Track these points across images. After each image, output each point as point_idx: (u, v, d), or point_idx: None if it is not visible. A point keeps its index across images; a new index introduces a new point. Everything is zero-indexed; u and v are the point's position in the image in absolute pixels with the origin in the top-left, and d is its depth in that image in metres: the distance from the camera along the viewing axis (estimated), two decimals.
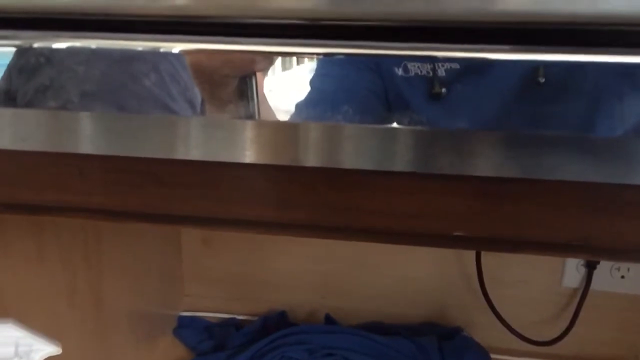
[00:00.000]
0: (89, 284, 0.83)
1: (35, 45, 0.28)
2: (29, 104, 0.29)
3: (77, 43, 0.28)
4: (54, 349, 0.58)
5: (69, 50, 0.28)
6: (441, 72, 0.28)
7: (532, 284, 0.97)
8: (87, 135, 0.37)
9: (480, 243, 0.39)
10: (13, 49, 0.28)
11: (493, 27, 0.25)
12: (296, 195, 0.38)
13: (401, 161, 0.34)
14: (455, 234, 0.37)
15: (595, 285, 0.93)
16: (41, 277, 0.73)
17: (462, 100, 0.66)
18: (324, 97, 0.68)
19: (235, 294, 1.09)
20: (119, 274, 0.90)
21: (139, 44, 0.27)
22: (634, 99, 0.35)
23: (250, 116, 0.29)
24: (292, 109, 0.34)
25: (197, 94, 0.28)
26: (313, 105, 0.65)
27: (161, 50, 0.27)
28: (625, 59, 0.25)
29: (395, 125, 0.30)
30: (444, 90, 0.66)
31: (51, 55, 0.27)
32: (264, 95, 0.32)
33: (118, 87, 0.27)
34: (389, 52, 0.26)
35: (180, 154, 0.37)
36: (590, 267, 0.93)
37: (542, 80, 0.27)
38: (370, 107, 0.68)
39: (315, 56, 0.27)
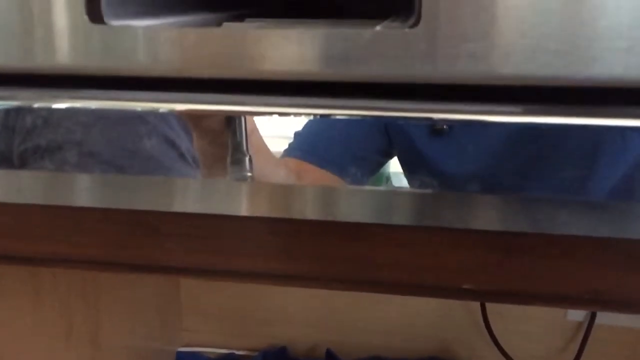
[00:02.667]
0: (86, 322, 0.81)
1: (33, 105, 0.27)
2: (24, 165, 0.28)
3: (76, 104, 0.27)
4: None
5: (67, 110, 0.27)
6: None
7: (536, 317, 0.95)
8: (83, 188, 0.36)
9: (489, 295, 0.38)
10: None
11: (496, 87, 0.24)
12: (299, 246, 0.37)
13: (407, 216, 0.33)
14: (464, 286, 0.36)
15: (600, 319, 0.91)
16: (38, 316, 0.72)
17: (465, 137, 0.66)
18: (319, 138, 0.67)
19: (235, 328, 1.07)
20: (117, 310, 0.88)
21: (138, 105, 0.27)
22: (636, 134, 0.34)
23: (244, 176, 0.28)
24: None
25: (195, 153, 0.27)
26: (309, 146, 0.64)
27: (161, 110, 0.27)
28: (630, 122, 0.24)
29: (401, 187, 0.29)
30: (445, 127, 0.65)
31: (48, 115, 0.26)
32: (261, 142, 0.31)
33: (117, 149, 0.26)
34: (386, 114, 0.26)
35: (179, 208, 0.36)
36: None
37: None
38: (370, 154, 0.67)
39: (311, 115, 0.26)
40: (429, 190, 0.29)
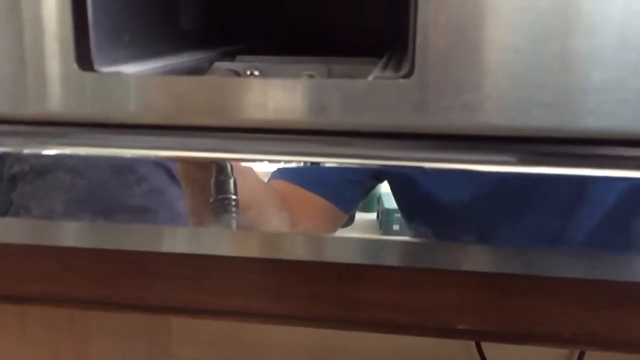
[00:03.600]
0: (74, 351, 0.80)
1: (22, 152, 0.27)
2: (10, 213, 0.28)
3: (64, 150, 0.26)
4: None
5: (55, 158, 0.27)
6: None
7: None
8: (72, 230, 0.35)
9: (485, 335, 0.37)
10: None
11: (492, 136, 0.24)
12: (292, 287, 0.37)
13: (400, 258, 0.33)
14: (459, 327, 0.36)
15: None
16: (24, 346, 0.70)
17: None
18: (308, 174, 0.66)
19: (226, 356, 1.05)
20: (105, 337, 0.87)
21: (127, 152, 0.26)
22: None
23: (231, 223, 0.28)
24: None
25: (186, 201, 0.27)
26: (300, 168, 0.63)
27: (152, 158, 0.26)
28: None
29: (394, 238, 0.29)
30: None
31: (36, 163, 0.26)
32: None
33: (106, 197, 0.26)
34: (378, 162, 0.25)
35: (169, 248, 0.36)
36: None
37: None
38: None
39: (303, 162, 0.26)
40: (423, 240, 0.28)
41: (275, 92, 0.25)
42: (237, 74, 0.37)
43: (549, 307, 0.34)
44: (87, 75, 0.25)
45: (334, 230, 0.66)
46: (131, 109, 0.25)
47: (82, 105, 0.26)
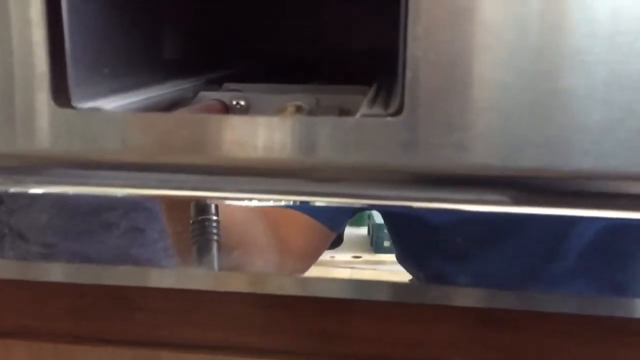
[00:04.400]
0: None
1: None
2: None
3: (40, 189, 0.25)
4: None
5: (31, 197, 0.25)
6: None
7: None
8: (53, 265, 0.34)
9: None
10: None
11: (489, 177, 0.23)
12: (280, 321, 0.36)
13: (393, 294, 0.32)
14: None
15: None
16: None
17: None
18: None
19: None
20: None
21: (106, 190, 0.25)
22: None
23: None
24: None
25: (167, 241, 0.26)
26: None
27: (132, 196, 0.25)
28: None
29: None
30: None
31: (10, 201, 0.25)
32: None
33: (84, 238, 0.25)
34: (367, 202, 0.25)
35: (154, 282, 0.35)
36: None
37: None
38: None
39: (290, 202, 0.25)
40: (415, 284, 0.28)
41: (260, 130, 0.24)
42: (222, 104, 0.36)
43: (545, 343, 0.33)
44: (64, 112, 0.24)
45: (324, 249, 0.65)
46: (110, 147, 0.24)
47: (58, 143, 0.25)
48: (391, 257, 0.74)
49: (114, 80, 0.29)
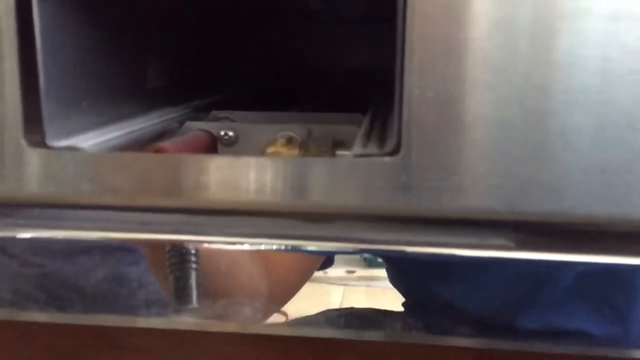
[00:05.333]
0: None
1: None
2: None
3: (10, 233, 0.24)
4: None
5: (1, 240, 0.24)
6: None
7: None
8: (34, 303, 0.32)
9: None
10: None
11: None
12: None
13: (386, 334, 0.31)
14: None
15: None
16: None
17: None
18: None
19: None
20: None
21: (83, 234, 0.24)
22: None
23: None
24: None
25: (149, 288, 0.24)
26: None
27: (111, 240, 0.24)
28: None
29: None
30: None
31: None
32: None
33: (59, 285, 0.23)
34: (361, 246, 0.23)
35: (140, 322, 0.33)
36: None
37: None
38: None
39: (281, 246, 0.23)
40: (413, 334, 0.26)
41: (247, 171, 0.22)
42: (209, 135, 0.35)
43: None
44: (37, 152, 0.23)
45: (314, 271, 0.63)
46: (86, 189, 0.23)
47: (30, 184, 0.23)
48: (384, 273, 0.72)
49: (94, 114, 0.27)
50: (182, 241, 0.24)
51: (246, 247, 0.23)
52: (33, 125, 0.23)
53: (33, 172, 0.23)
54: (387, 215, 0.22)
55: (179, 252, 0.29)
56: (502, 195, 0.21)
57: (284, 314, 1.38)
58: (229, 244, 0.24)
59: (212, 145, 0.34)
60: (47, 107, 0.23)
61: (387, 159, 0.22)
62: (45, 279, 0.22)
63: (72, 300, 0.24)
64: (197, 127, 0.34)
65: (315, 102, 0.57)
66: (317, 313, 0.65)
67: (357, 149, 0.23)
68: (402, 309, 0.63)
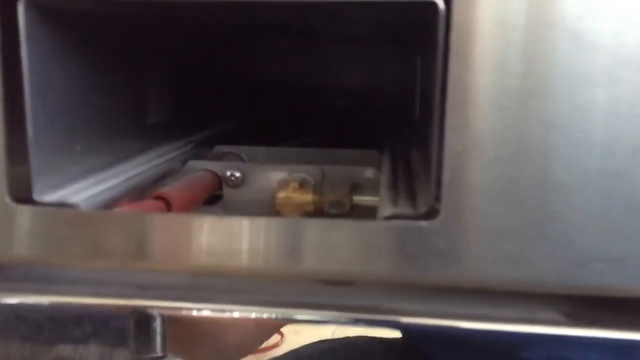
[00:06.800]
0: None
1: None
2: None
3: None
4: None
5: None
6: None
7: None
8: None
9: None
10: None
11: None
12: None
13: None
14: None
15: None
16: None
17: None
18: None
19: None
20: None
21: (71, 299, 0.21)
22: None
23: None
24: None
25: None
26: None
27: (101, 306, 0.21)
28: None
29: None
30: None
31: None
32: None
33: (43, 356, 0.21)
34: (397, 319, 0.20)
35: None
36: None
37: None
38: None
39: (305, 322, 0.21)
40: None
41: (269, 236, 0.20)
42: (214, 175, 0.32)
43: None
44: (23, 209, 0.20)
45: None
46: (77, 252, 0.20)
47: (15, 245, 0.20)
48: None
49: (88, 159, 0.24)
50: (179, 308, 0.21)
51: (273, 315, 0.20)
52: (19, 178, 0.20)
53: (20, 232, 0.20)
54: (422, 285, 0.20)
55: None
56: (556, 267, 0.18)
57: (281, 334, 1.34)
58: (239, 311, 0.21)
59: (217, 187, 0.32)
60: (35, 156, 0.21)
61: (423, 222, 0.19)
62: (31, 350, 0.20)
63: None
64: (201, 167, 0.31)
65: (319, 127, 0.54)
66: (313, 343, 0.61)
67: (386, 208, 0.20)
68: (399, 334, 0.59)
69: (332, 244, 0.19)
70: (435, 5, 0.18)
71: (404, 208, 0.20)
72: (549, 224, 0.18)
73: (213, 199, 0.31)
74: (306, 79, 0.54)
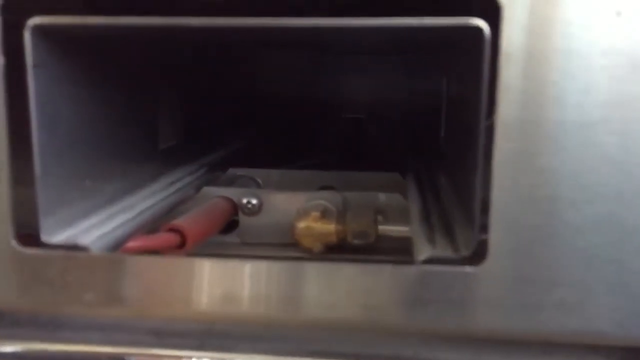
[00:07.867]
0: None
1: None
2: None
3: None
4: None
5: None
6: None
7: None
8: None
9: None
10: None
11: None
12: None
13: None
14: None
15: None
16: None
17: None
18: None
19: None
20: None
21: (83, 348, 0.19)
22: None
23: None
24: None
25: None
26: None
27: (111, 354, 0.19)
28: None
29: None
30: None
31: None
32: None
33: None
34: None
35: None
36: None
37: None
38: None
39: None
40: None
41: (278, 278, 0.18)
42: (230, 202, 0.30)
43: None
44: (30, 253, 0.18)
45: None
46: (88, 298, 0.18)
47: (22, 291, 0.19)
48: None
49: (98, 191, 0.23)
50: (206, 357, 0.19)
51: None
52: (26, 219, 0.19)
53: (26, 277, 0.19)
54: (468, 336, 0.18)
55: None
56: (615, 316, 0.17)
57: None
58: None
59: (233, 214, 0.30)
60: (43, 194, 0.19)
61: (468, 268, 0.17)
62: None
63: None
64: (216, 194, 0.30)
65: (332, 142, 0.53)
66: None
67: (424, 250, 0.19)
68: None
69: (369, 290, 0.18)
70: (480, 30, 0.17)
71: (444, 249, 0.19)
72: (606, 269, 0.17)
73: (229, 226, 0.30)
74: (316, 93, 0.52)
